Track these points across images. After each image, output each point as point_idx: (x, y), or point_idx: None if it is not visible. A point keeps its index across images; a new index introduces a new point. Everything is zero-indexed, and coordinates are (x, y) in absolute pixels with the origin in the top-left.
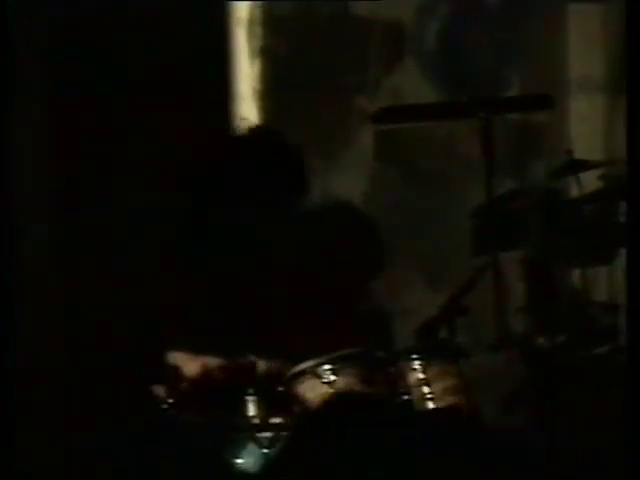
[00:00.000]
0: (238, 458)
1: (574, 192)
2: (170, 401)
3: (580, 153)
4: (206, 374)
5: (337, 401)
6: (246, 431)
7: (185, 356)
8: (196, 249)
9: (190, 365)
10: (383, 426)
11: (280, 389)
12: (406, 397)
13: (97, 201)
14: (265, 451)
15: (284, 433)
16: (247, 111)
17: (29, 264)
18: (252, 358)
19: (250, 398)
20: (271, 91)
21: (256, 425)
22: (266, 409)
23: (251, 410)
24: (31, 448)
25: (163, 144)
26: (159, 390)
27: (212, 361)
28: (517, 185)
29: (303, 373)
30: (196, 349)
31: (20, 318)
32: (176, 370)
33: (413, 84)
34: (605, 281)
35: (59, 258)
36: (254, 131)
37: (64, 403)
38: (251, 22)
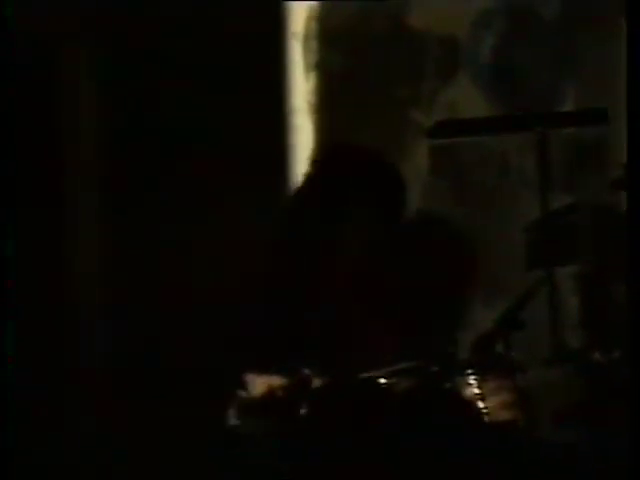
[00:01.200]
0: (290, 470)
1: None
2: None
3: None
4: (270, 392)
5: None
6: (300, 444)
7: (252, 375)
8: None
9: (256, 383)
10: (436, 439)
11: (336, 402)
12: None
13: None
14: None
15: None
16: (302, 124)
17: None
18: (306, 372)
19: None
20: (326, 105)
21: (310, 437)
22: (321, 422)
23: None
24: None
25: (216, 157)
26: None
27: (276, 379)
28: (572, 199)
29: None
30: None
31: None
32: (244, 388)
33: (468, 98)
34: None
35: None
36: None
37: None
38: (306, 36)
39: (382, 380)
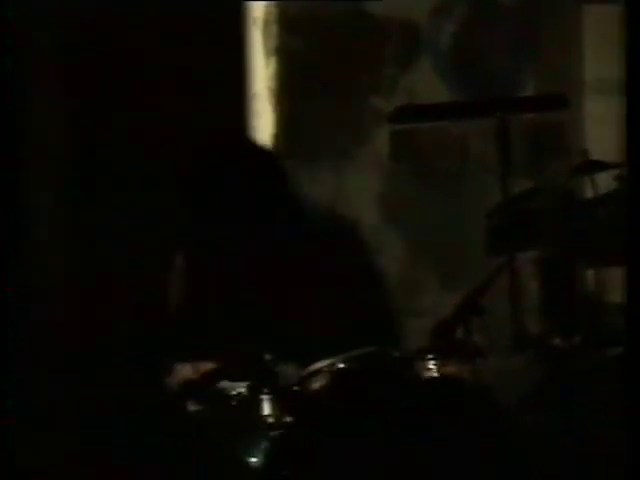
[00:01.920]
0: (252, 457)
1: (590, 193)
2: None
3: (596, 154)
4: (220, 374)
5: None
6: (261, 430)
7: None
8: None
9: (203, 368)
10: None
11: (295, 388)
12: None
13: (106, 201)
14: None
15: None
16: (262, 110)
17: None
18: (267, 357)
19: (265, 397)
20: (286, 90)
21: (271, 424)
22: (280, 408)
23: (266, 409)
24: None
25: (178, 143)
26: (174, 389)
27: (225, 363)
28: (533, 185)
29: (318, 372)
30: (208, 350)
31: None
32: (190, 374)
33: (428, 84)
34: (620, 282)
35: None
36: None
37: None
38: (266, 21)
39: (341, 365)
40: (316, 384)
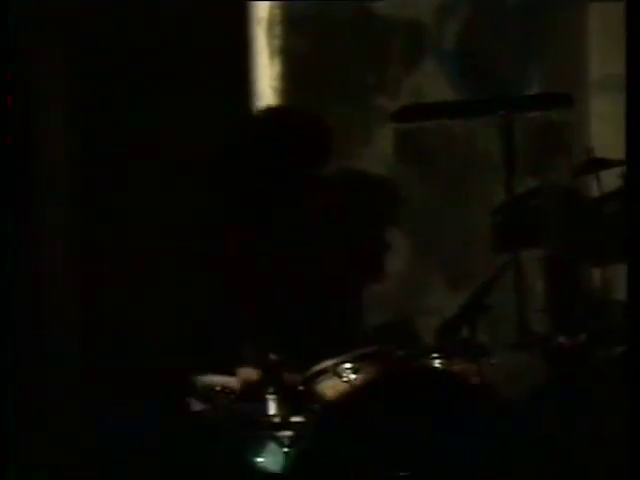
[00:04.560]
0: (259, 457)
1: (595, 190)
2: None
3: (601, 152)
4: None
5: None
6: (266, 430)
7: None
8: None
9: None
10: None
11: (300, 388)
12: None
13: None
14: (285, 450)
15: (304, 431)
16: None
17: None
18: (273, 357)
19: (270, 397)
20: (291, 90)
21: (276, 424)
22: (286, 408)
23: (271, 409)
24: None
25: (182, 143)
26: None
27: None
28: (538, 183)
29: (323, 372)
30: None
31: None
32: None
33: (433, 83)
34: (625, 280)
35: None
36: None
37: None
38: (271, 21)
39: (347, 365)
40: (321, 383)
